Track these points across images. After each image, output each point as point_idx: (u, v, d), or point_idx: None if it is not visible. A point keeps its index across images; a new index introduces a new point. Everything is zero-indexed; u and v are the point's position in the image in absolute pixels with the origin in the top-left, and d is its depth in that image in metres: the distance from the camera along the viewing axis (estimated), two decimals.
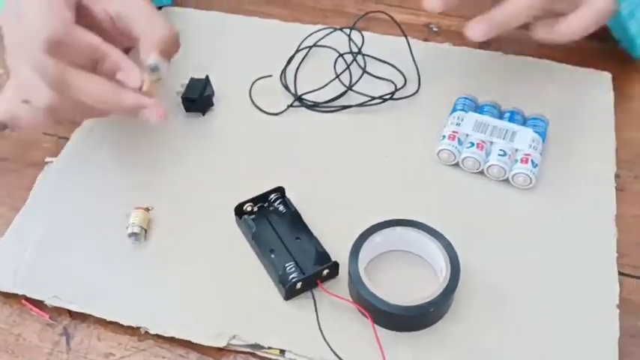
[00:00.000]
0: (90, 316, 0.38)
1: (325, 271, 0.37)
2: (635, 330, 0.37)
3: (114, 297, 0.38)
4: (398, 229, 0.38)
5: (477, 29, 0.44)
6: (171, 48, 0.41)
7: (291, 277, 0.37)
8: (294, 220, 0.40)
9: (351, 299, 0.37)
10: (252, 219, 0.40)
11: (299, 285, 0.37)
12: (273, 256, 0.38)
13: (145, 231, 0.40)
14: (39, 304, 0.38)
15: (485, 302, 0.37)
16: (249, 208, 0.40)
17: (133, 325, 0.37)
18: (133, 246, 0.40)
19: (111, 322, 0.37)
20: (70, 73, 0.38)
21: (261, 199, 0.41)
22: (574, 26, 0.45)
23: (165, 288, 0.38)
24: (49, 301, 0.38)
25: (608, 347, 0.35)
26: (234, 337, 0.36)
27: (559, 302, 0.37)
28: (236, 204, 0.40)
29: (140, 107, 0.39)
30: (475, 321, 0.37)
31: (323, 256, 0.38)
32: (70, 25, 0.39)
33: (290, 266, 0.37)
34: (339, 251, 0.38)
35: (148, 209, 0.41)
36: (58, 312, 0.38)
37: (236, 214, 0.40)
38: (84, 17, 0.41)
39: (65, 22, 0.39)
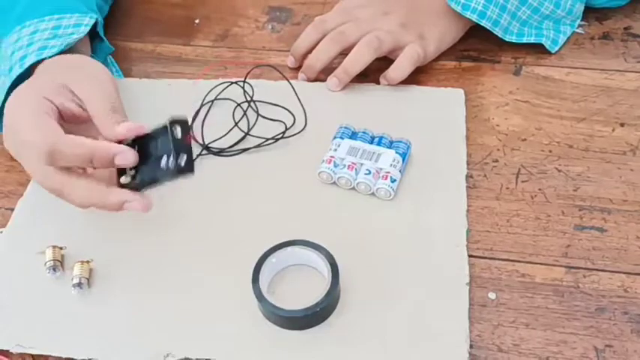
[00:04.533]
0: (49, 355, 0.46)
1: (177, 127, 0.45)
2: (484, 300, 0.47)
3: (67, 337, 0.46)
4: (289, 248, 0.47)
5: (331, 83, 0.61)
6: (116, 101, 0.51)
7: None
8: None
9: None
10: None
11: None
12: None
13: (87, 280, 0.49)
14: (5, 352, 0.46)
15: (364, 295, 0.47)
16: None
17: (85, 357, 0.45)
18: (78, 294, 0.48)
19: (67, 358, 0.46)
20: (65, 184, 0.47)
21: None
22: (396, 72, 0.60)
23: (108, 323, 0.47)
24: (14, 349, 0.46)
25: (460, 316, 0.45)
26: (167, 355, 0.45)
27: (421, 286, 0.47)
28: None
29: (124, 202, 0.46)
30: (358, 311, 0.46)
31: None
32: (60, 136, 0.46)
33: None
34: (246, 273, 0.47)
35: (88, 262, 0.49)
36: (22, 356, 0.46)
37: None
38: (65, 116, 0.50)
39: (55, 133, 0.47)
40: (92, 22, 0.59)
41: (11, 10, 0.59)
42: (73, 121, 0.50)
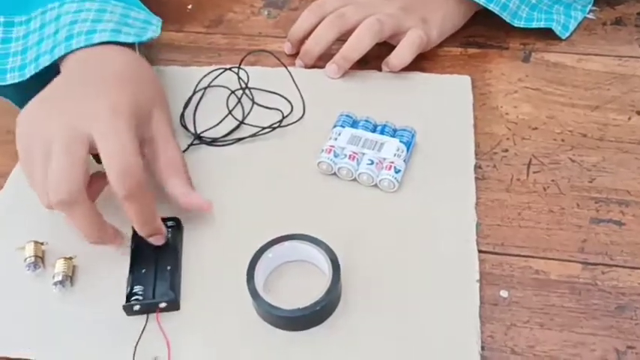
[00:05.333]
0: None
1: (163, 304, 0.43)
2: (495, 299, 0.44)
3: (47, 337, 0.43)
4: (286, 243, 0.44)
5: (330, 70, 0.58)
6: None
7: (133, 297, 0.43)
8: (174, 250, 0.45)
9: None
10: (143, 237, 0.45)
11: (137, 307, 0.42)
12: (134, 273, 0.44)
13: (70, 277, 0.45)
14: None
15: (367, 293, 0.44)
16: None
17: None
18: (60, 292, 0.45)
19: None
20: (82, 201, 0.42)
21: None
22: (398, 58, 0.56)
23: (91, 323, 0.43)
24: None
25: (471, 315, 0.42)
26: (155, 358, 0.42)
27: (428, 284, 0.44)
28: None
29: (100, 244, 0.44)
30: (361, 310, 0.43)
31: (168, 290, 0.43)
32: (80, 194, 0.42)
33: (139, 289, 0.43)
34: (240, 270, 0.44)
35: (71, 258, 0.46)
36: None
37: (133, 230, 0.46)
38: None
39: (79, 188, 0.41)
40: (159, 25, 0.56)
41: None
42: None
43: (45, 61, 0.50)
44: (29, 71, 0.51)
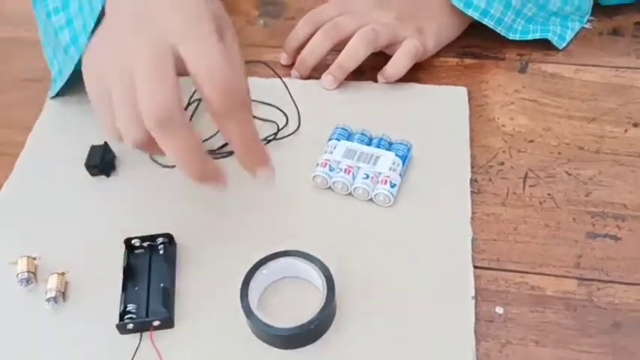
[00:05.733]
0: None
1: (157, 322, 0.42)
2: (491, 315, 0.43)
3: (39, 355, 0.43)
4: (281, 260, 0.44)
5: (325, 81, 0.57)
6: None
7: (126, 316, 0.42)
8: (168, 267, 0.45)
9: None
10: (137, 254, 0.45)
11: (130, 326, 0.42)
12: (127, 291, 0.44)
13: (63, 293, 0.45)
14: None
15: (362, 310, 0.43)
16: (137, 244, 0.46)
17: None
18: (53, 308, 0.44)
19: None
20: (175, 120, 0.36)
21: (149, 239, 0.46)
22: (394, 69, 0.56)
23: (84, 339, 0.43)
24: None
25: (466, 332, 0.42)
26: None
27: (423, 300, 0.43)
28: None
29: (203, 178, 0.39)
30: (355, 327, 0.43)
31: (162, 308, 0.42)
32: (179, 110, 0.36)
33: (132, 307, 0.43)
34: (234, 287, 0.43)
35: (63, 273, 0.46)
36: None
37: (126, 246, 0.45)
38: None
39: (176, 103, 0.36)
40: None
41: None
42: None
43: (97, 6, 0.45)
44: (89, 25, 0.46)
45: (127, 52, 0.37)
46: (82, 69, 0.41)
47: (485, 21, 0.57)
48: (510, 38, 0.59)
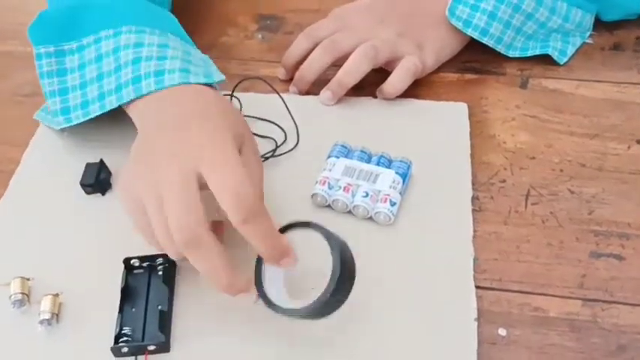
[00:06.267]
0: None
1: (152, 347, 0.41)
2: (493, 337, 0.42)
3: None
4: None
5: (324, 97, 0.56)
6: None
7: (121, 339, 0.41)
8: (166, 289, 0.44)
9: None
10: (135, 274, 0.44)
11: (125, 349, 0.41)
12: (123, 312, 0.43)
13: (57, 315, 0.44)
14: None
15: (360, 331, 0.42)
16: (136, 264, 0.45)
17: None
18: (46, 330, 0.44)
19: None
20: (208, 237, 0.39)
21: (149, 259, 0.45)
22: (392, 87, 0.56)
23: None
24: None
25: (468, 355, 0.41)
26: None
27: (423, 322, 0.43)
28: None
29: (233, 291, 0.40)
30: (351, 349, 0.42)
31: (158, 332, 0.42)
32: (204, 229, 0.39)
33: (128, 329, 0.42)
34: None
35: (57, 295, 0.45)
36: None
37: (124, 266, 0.45)
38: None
39: (200, 223, 0.39)
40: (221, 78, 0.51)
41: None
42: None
43: (111, 103, 0.49)
44: (93, 110, 0.50)
45: (157, 178, 0.40)
46: (118, 187, 0.44)
47: (485, 40, 0.57)
48: (510, 56, 0.58)
